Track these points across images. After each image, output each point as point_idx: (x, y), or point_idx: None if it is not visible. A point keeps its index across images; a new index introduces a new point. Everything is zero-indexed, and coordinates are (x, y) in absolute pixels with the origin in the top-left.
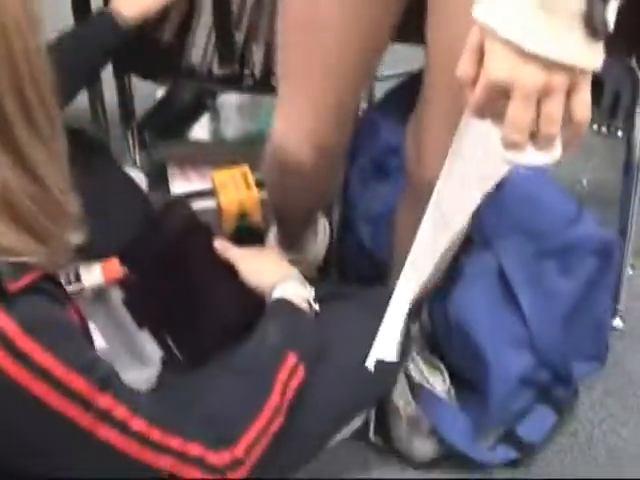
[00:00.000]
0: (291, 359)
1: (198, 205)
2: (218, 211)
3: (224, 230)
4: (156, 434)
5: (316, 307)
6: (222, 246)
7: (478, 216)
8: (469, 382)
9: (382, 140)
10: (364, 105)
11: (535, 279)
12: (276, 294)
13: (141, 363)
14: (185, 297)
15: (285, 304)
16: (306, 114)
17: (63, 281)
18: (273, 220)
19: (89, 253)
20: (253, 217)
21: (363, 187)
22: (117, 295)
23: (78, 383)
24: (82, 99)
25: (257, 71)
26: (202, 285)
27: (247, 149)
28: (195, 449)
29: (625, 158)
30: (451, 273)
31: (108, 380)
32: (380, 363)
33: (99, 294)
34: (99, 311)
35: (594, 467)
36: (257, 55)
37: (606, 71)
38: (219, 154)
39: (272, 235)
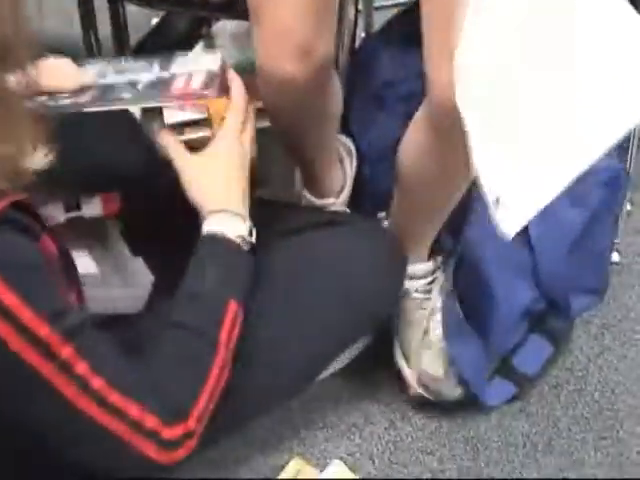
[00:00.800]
0: (232, 308)
1: (192, 134)
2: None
3: None
4: (115, 397)
5: (252, 240)
6: (166, 140)
7: None
8: (473, 316)
9: (381, 72)
10: (362, 35)
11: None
12: (210, 227)
13: (132, 284)
14: (180, 231)
15: (220, 242)
16: (283, 14)
17: (63, 208)
18: (294, 162)
19: (86, 184)
20: None
21: (363, 122)
22: (113, 225)
23: (43, 330)
24: (75, 26)
25: None
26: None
27: (242, 78)
28: (151, 421)
29: None
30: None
31: (75, 331)
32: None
33: (95, 224)
34: (94, 240)
35: (590, 402)
36: None
37: None
38: None
39: (297, 180)
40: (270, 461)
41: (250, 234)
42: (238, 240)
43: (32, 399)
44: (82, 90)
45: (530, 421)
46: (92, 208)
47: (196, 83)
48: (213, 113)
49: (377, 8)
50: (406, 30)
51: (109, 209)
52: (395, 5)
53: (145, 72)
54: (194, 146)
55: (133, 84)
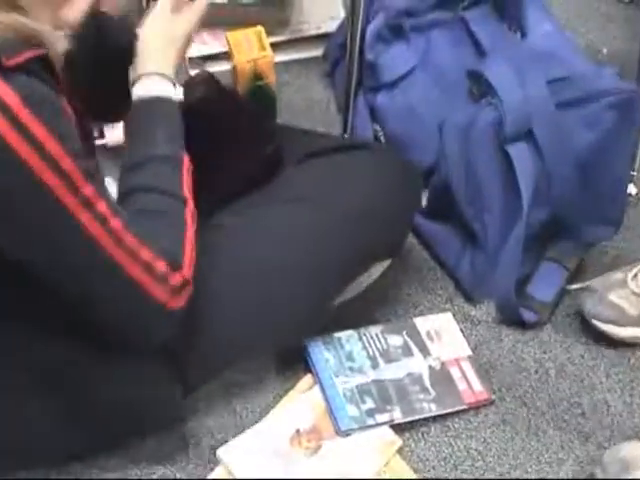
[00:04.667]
0: (185, 162)
1: (213, 67)
2: (233, 72)
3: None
4: (130, 239)
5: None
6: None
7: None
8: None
9: (396, 1)
10: None
11: (556, 129)
12: (143, 90)
13: None
14: (207, 153)
15: (158, 104)
16: None
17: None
18: None
19: (111, 114)
20: (267, 78)
21: (381, 49)
22: None
23: (67, 164)
24: None
25: None
26: (225, 144)
27: (262, 11)
28: (161, 265)
29: None
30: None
31: (93, 175)
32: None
33: (118, 151)
34: (116, 166)
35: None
36: None
37: None
38: (234, 16)
39: None
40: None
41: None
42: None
43: (58, 234)
44: None
45: (543, 348)
46: (116, 135)
47: None
48: (233, 46)
49: None
50: None
51: None
52: None
53: None
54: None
55: None
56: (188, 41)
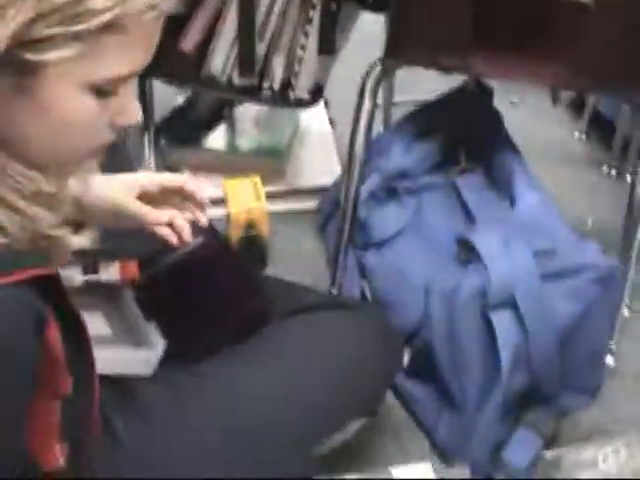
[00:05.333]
0: None
1: (208, 212)
2: (227, 219)
3: (231, 238)
4: None
5: None
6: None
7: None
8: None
9: (393, 162)
10: (380, 129)
11: (539, 299)
12: None
13: (144, 347)
14: (196, 303)
15: None
16: None
17: (81, 270)
18: None
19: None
20: (260, 228)
21: (373, 208)
22: (128, 291)
23: None
24: None
25: (276, 84)
26: (214, 294)
27: (260, 161)
28: None
29: (629, 199)
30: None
31: None
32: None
33: (111, 287)
34: (108, 302)
35: None
36: (277, 68)
37: (619, 114)
38: (232, 164)
39: None
40: None
41: None
42: None
43: None
44: None
45: None
46: (110, 273)
47: None
48: (229, 193)
49: (396, 104)
50: (421, 125)
51: (126, 276)
52: (414, 101)
53: None
54: None
55: None
56: None
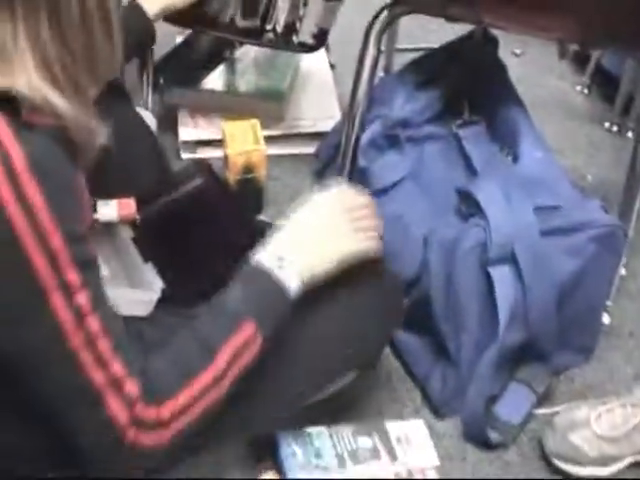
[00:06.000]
0: (247, 328)
1: (205, 153)
2: (224, 161)
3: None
4: (104, 346)
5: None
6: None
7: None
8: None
9: (396, 109)
10: (381, 74)
11: (539, 255)
12: (264, 259)
13: (140, 287)
14: (191, 244)
15: (263, 274)
16: None
17: None
18: None
19: (105, 189)
20: (257, 171)
21: (374, 156)
22: (126, 231)
23: (56, 241)
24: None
25: (279, 27)
26: (211, 236)
27: (259, 104)
28: (131, 386)
29: (631, 157)
30: None
31: (87, 264)
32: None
33: (109, 227)
34: (106, 243)
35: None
36: (281, 10)
37: (623, 69)
38: (230, 106)
39: None
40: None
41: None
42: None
43: (27, 311)
44: None
45: (505, 469)
46: (108, 212)
47: None
48: (228, 136)
49: (398, 50)
50: (425, 73)
51: (124, 214)
52: (416, 49)
53: None
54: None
55: None
56: (338, 263)
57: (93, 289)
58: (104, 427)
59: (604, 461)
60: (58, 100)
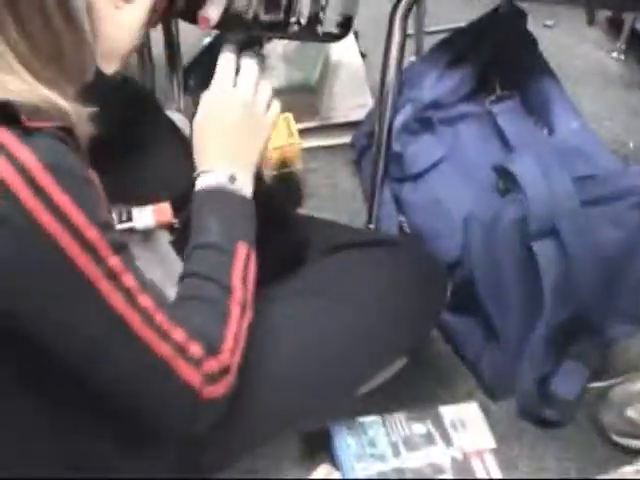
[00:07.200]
0: (241, 251)
1: None
2: None
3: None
4: (161, 318)
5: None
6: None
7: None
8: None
9: (426, 92)
10: (412, 58)
11: (581, 227)
12: (203, 183)
13: None
14: None
15: (215, 194)
16: None
17: (115, 219)
18: None
19: (140, 196)
20: (294, 165)
21: (408, 140)
22: (165, 236)
23: (91, 233)
24: None
25: (303, 18)
26: None
27: (291, 98)
28: (195, 349)
29: None
30: None
31: (121, 246)
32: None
33: (147, 234)
34: (147, 250)
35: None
36: (304, 2)
37: None
38: None
39: None
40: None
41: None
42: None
43: (79, 309)
44: None
45: (563, 447)
46: (144, 219)
47: None
48: None
49: (428, 32)
50: (453, 53)
51: (161, 220)
52: (446, 30)
53: None
54: None
55: None
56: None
57: (134, 269)
58: (181, 395)
59: None
60: (55, 97)
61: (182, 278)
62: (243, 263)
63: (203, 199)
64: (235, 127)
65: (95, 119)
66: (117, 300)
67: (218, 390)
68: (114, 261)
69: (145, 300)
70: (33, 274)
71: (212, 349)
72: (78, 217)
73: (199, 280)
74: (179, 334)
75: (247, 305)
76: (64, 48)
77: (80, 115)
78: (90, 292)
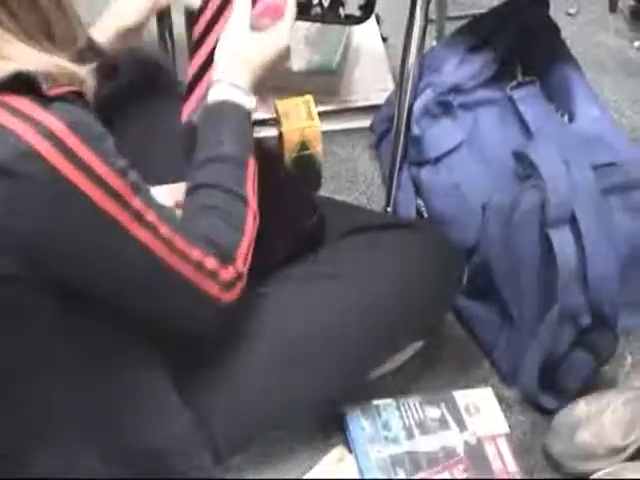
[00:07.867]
0: (250, 165)
1: (259, 133)
2: (279, 139)
3: (284, 158)
4: (180, 242)
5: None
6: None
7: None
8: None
9: (447, 76)
10: (433, 43)
11: (599, 215)
12: (213, 95)
13: None
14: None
15: (229, 107)
16: None
17: None
18: None
19: (158, 177)
20: (313, 147)
21: (428, 124)
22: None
23: (115, 182)
24: (152, 26)
25: (325, 1)
26: (268, 215)
27: (312, 80)
28: (211, 263)
29: None
30: None
31: (138, 186)
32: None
33: None
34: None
35: None
36: None
37: None
38: (283, 84)
39: None
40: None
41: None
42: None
43: (115, 251)
44: None
45: None
46: (160, 198)
47: None
48: (282, 113)
49: (449, 18)
50: (475, 38)
51: (177, 198)
52: (467, 16)
53: None
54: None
55: None
56: (273, 67)
57: (151, 202)
58: (204, 304)
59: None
60: (64, 62)
61: (195, 188)
62: (252, 175)
63: (214, 110)
64: (248, 44)
65: (107, 87)
66: (146, 236)
67: (234, 294)
68: (137, 202)
69: (165, 229)
70: (71, 231)
71: (228, 258)
72: (103, 170)
73: (217, 191)
74: (195, 252)
75: (256, 215)
76: (52, 24)
77: (86, 77)
78: (124, 235)
